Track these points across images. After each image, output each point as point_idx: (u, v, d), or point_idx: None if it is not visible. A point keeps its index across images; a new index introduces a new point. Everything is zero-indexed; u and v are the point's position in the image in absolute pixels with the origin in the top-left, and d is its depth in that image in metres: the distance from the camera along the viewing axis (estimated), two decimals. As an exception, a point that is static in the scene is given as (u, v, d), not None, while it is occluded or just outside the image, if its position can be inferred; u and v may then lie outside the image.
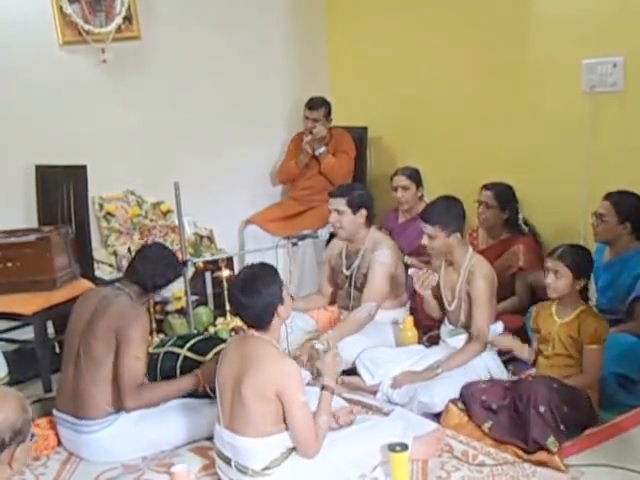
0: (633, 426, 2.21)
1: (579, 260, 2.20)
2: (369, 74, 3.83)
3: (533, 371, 2.32)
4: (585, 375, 2.17)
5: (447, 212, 2.46)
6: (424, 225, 2.47)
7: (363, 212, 2.73)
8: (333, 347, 2.05)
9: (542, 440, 2.02)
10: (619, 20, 2.76)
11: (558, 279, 2.18)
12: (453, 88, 3.43)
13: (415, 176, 3.30)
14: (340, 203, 2.72)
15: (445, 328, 2.61)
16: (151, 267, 2.23)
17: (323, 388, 1.98)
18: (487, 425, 2.16)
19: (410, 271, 2.61)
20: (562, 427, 2.05)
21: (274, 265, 2.02)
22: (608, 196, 2.58)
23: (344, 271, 2.84)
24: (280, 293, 1.94)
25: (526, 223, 3.05)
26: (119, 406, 2.17)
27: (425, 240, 2.48)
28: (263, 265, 1.99)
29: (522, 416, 2.07)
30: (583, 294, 2.25)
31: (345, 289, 2.85)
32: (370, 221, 2.79)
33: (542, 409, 2.03)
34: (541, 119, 3.07)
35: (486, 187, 2.99)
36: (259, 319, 1.93)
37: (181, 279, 2.93)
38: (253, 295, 1.89)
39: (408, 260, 3.10)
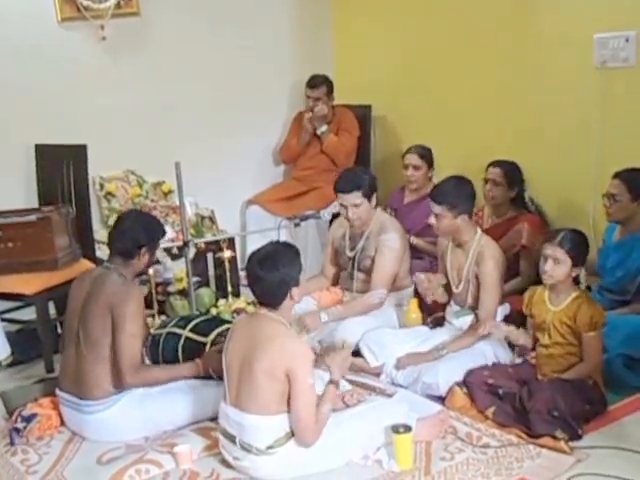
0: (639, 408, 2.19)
1: (579, 247, 2.13)
2: (373, 52, 3.76)
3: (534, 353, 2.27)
4: (586, 363, 2.14)
5: (456, 193, 2.43)
6: (432, 204, 2.44)
7: (374, 196, 2.71)
8: (347, 347, 2.10)
9: (549, 432, 2.00)
10: (632, -7, 2.69)
11: (557, 266, 2.11)
12: (459, 65, 3.36)
13: (428, 156, 3.24)
14: (356, 197, 2.65)
15: (451, 309, 2.58)
16: (126, 231, 2.21)
17: (330, 382, 1.98)
18: (491, 410, 2.14)
19: (417, 278, 2.56)
20: (572, 422, 2.02)
21: None
22: (618, 175, 2.54)
23: (347, 253, 2.81)
24: (297, 275, 1.95)
25: (532, 201, 3.01)
26: (120, 385, 2.16)
27: (432, 219, 2.46)
28: (287, 245, 2.01)
29: (529, 414, 2.04)
30: (575, 278, 2.17)
31: (348, 270, 2.82)
32: (376, 202, 2.75)
33: (555, 413, 2.02)
34: (551, 95, 3.01)
35: (493, 164, 2.96)
36: (272, 296, 1.94)
37: (182, 260, 2.92)
38: (271, 270, 1.90)
39: (414, 241, 3.07)
